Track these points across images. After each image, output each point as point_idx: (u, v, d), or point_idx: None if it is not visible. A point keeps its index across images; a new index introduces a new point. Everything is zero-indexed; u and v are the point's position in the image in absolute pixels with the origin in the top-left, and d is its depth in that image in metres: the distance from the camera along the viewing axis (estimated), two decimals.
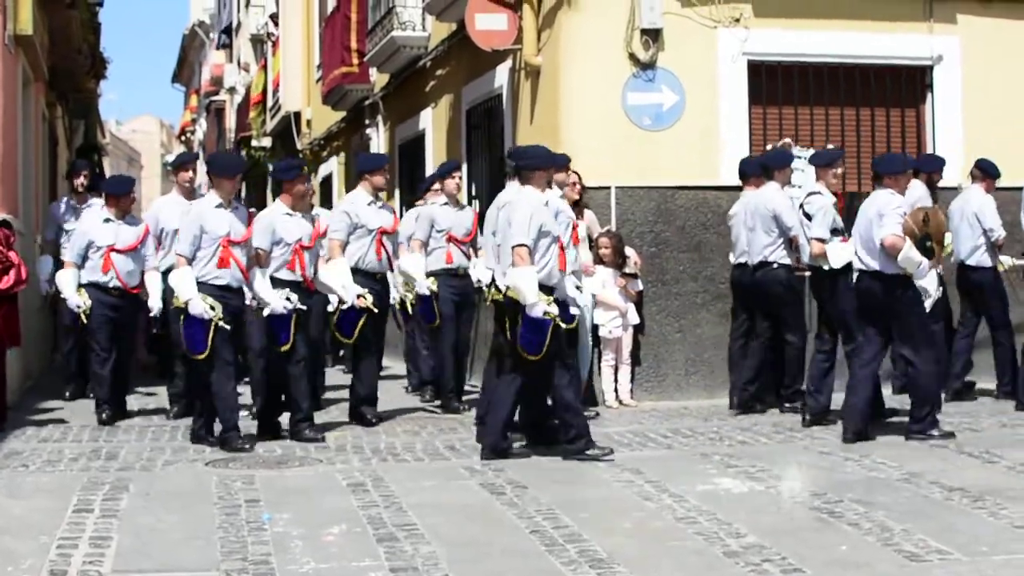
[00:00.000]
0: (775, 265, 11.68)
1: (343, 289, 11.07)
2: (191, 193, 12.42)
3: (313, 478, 8.83)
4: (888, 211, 9.94)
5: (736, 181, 12.71)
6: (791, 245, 11.63)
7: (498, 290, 9.57)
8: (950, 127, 13.66)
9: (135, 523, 7.34)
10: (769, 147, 12.92)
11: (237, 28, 38.27)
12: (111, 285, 11.81)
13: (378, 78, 19.50)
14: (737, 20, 13.14)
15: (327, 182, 24.58)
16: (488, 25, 13.70)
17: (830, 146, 12.99)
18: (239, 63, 38.12)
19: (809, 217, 11.14)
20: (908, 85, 13.84)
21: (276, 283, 10.50)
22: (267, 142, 30.50)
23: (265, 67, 30.17)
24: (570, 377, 9.52)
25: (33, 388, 14.45)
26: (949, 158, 13.07)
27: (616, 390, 12.52)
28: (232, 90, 40.00)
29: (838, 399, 10.59)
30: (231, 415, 10.12)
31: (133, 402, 13.45)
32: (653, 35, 12.93)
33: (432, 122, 17.21)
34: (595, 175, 12.50)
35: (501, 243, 9.55)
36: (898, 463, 8.88)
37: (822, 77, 13.54)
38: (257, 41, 32.50)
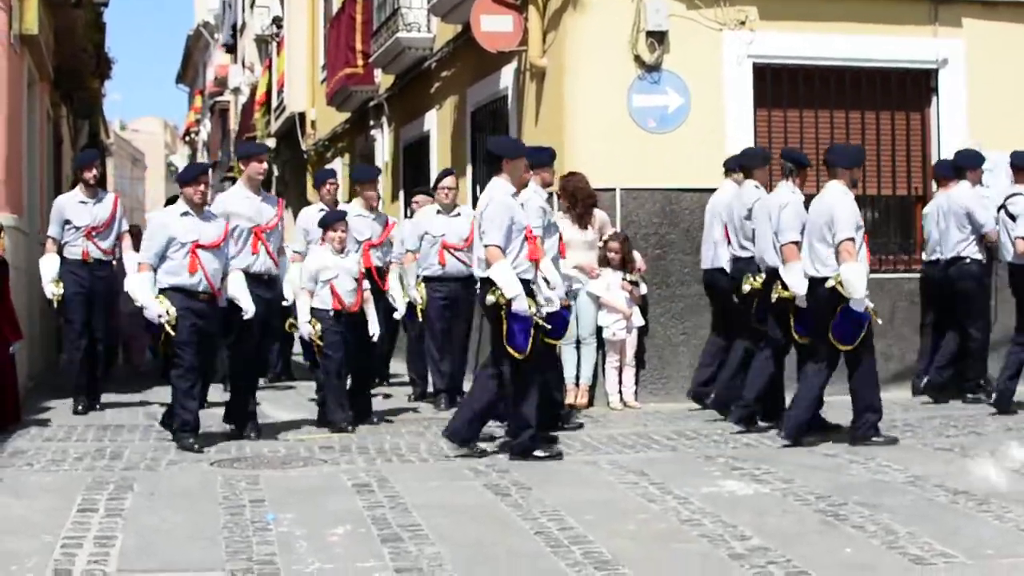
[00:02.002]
0: (967, 260, 12.28)
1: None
2: (259, 187, 11.20)
3: (318, 478, 8.83)
4: None
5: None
6: (982, 242, 12.19)
7: (784, 287, 10.25)
8: (955, 130, 13.65)
9: (140, 523, 7.33)
10: (961, 147, 13.07)
11: (242, 29, 38.29)
12: (200, 288, 10.21)
13: (383, 79, 19.51)
14: (742, 23, 13.15)
15: None
16: (493, 27, 13.71)
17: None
18: (243, 64, 38.15)
19: (1013, 217, 11.76)
20: (913, 88, 13.84)
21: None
22: (271, 143, 30.49)
23: (269, 68, 30.18)
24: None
25: (36, 388, 14.44)
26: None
27: (620, 392, 12.53)
28: (236, 91, 40.02)
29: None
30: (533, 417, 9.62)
31: (138, 407, 13.51)
32: (658, 37, 12.94)
33: (437, 124, 17.22)
34: (600, 177, 12.50)
35: (812, 237, 9.95)
36: (903, 466, 8.87)
37: (827, 80, 13.55)
38: (261, 42, 32.52)
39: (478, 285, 9.89)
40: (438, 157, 17.02)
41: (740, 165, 11.66)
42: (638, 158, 12.83)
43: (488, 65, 14.76)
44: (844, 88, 13.60)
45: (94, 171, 12.60)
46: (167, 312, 10.01)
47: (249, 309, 10.45)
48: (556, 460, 9.41)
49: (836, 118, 13.61)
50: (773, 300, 10.51)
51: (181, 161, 72.88)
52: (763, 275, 10.83)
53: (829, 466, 9.05)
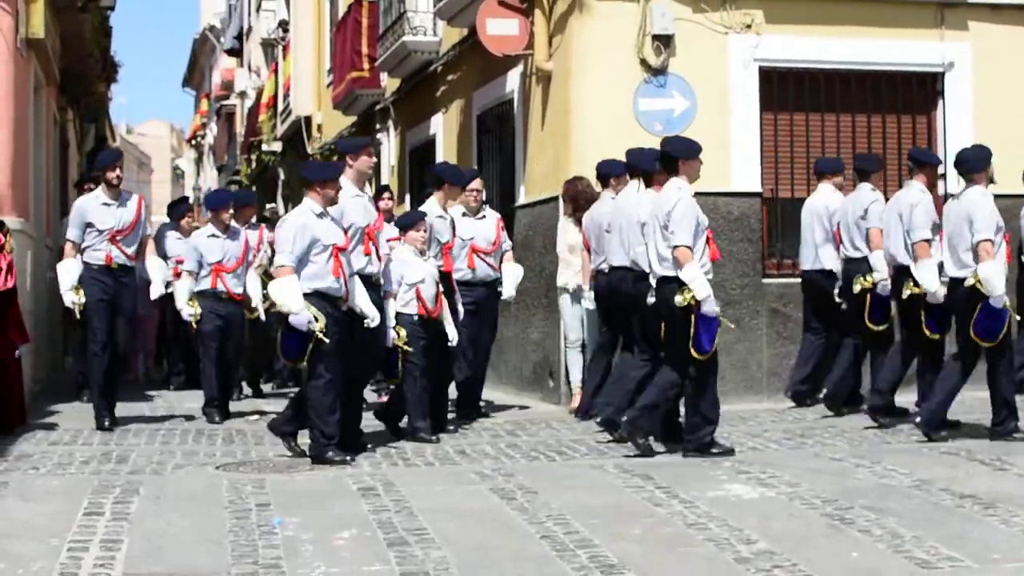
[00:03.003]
0: None
1: None
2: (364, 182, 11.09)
3: (323, 482, 8.83)
4: None
5: (747, 187, 12.75)
6: None
7: (916, 284, 10.68)
8: (961, 133, 13.61)
9: (146, 526, 7.34)
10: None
11: (248, 32, 38.32)
12: (340, 294, 9.66)
13: (389, 83, 19.52)
14: (748, 26, 13.14)
15: None
16: (499, 30, 13.70)
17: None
18: (249, 67, 38.18)
19: None
20: (919, 91, 13.82)
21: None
22: (277, 146, 30.54)
23: (276, 71, 30.22)
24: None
25: (42, 392, 14.45)
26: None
27: None
28: (243, 94, 40.05)
29: None
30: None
31: (144, 408, 13.53)
32: (664, 41, 12.94)
33: (443, 127, 17.22)
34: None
35: (953, 238, 10.21)
36: (908, 470, 8.87)
37: (833, 83, 13.54)
38: (268, 45, 32.55)
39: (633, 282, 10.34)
40: (444, 160, 17.00)
41: (857, 169, 12.01)
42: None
43: (494, 69, 14.77)
44: (850, 91, 13.58)
45: (118, 171, 11.74)
46: (315, 319, 9.36)
47: (375, 317, 9.97)
48: (730, 455, 9.59)
49: (842, 121, 13.60)
50: (905, 297, 10.89)
51: (187, 165, 72.99)
52: (876, 274, 11.29)
53: (835, 470, 9.05)
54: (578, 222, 12.20)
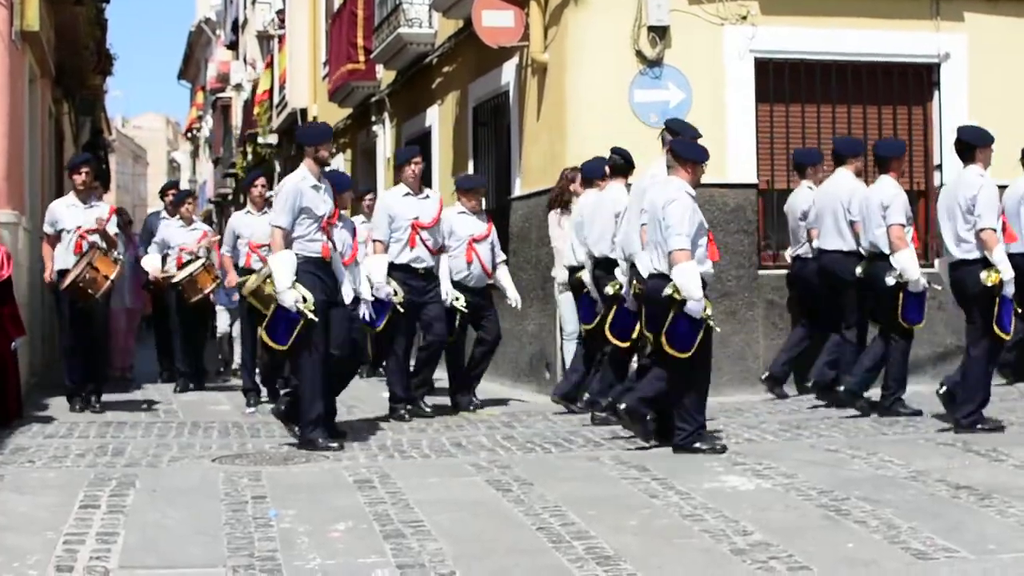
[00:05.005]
0: None
1: None
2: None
3: (319, 475, 8.83)
4: None
5: (743, 179, 12.76)
6: None
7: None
8: (957, 125, 13.58)
9: (141, 519, 7.33)
10: None
11: (243, 25, 38.27)
12: None
13: (384, 75, 19.51)
14: (744, 17, 13.14)
15: None
16: (495, 22, 13.70)
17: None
18: (245, 60, 38.13)
19: None
20: (915, 83, 13.83)
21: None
22: (273, 139, 30.51)
23: (271, 64, 30.18)
24: None
25: (38, 385, 14.44)
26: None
27: None
28: (238, 87, 40.00)
29: None
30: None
31: (143, 415, 13.52)
32: (660, 32, 12.94)
33: (439, 119, 17.21)
34: None
35: None
36: (905, 460, 8.87)
37: (829, 75, 13.54)
38: (263, 38, 32.50)
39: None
40: (440, 153, 17.02)
41: None
42: (640, 153, 12.80)
43: (490, 60, 14.76)
44: (846, 83, 13.59)
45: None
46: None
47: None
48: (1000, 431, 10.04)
49: (838, 112, 13.60)
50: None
51: (183, 158, 72.92)
52: None
53: (831, 461, 9.05)
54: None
